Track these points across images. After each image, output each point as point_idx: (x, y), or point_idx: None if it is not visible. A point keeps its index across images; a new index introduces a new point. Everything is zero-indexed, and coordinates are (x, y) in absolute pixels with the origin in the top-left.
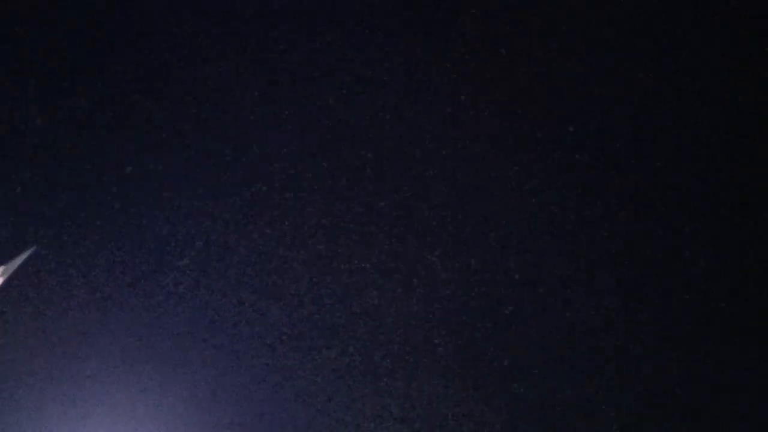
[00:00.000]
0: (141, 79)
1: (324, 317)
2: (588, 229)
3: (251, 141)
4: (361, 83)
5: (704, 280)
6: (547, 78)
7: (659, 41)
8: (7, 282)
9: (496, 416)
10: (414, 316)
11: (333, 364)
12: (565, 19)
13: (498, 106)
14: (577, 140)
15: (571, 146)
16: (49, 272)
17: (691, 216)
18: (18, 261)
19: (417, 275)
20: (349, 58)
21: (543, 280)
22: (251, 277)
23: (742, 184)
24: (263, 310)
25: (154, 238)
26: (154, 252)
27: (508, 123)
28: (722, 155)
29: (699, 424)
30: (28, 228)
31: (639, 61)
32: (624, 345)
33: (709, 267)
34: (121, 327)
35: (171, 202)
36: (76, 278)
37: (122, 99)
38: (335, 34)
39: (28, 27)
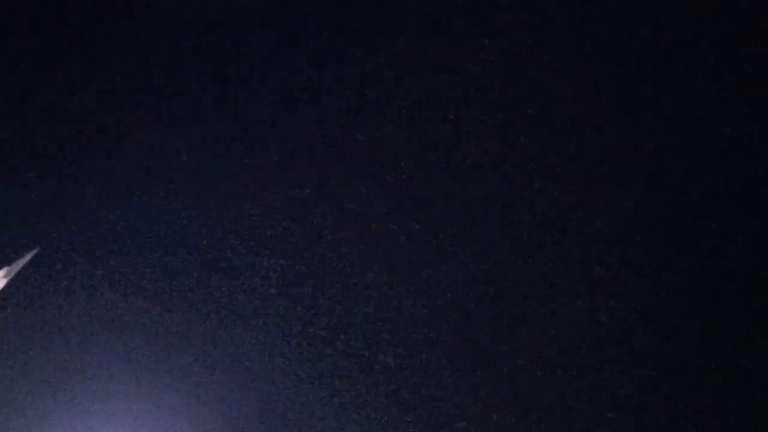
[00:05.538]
0: (144, 78)
1: (325, 318)
2: (590, 230)
3: (254, 140)
4: (365, 91)
5: (705, 280)
6: (550, 78)
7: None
8: (9, 283)
9: (497, 417)
10: (416, 316)
11: (335, 364)
12: (567, 20)
13: (500, 108)
14: (578, 141)
15: (573, 147)
16: (51, 274)
17: (693, 217)
18: (20, 263)
19: (419, 275)
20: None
21: (545, 281)
22: (253, 277)
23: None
24: (265, 310)
25: (156, 239)
26: (155, 253)
27: (510, 125)
28: (723, 155)
29: (700, 425)
30: (30, 230)
31: (640, 61)
32: (626, 345)
33: (710, 267)
34: (122, 327)
35: (172, 202)
36: (77, 279)
37: (125, 99)
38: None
39: (28, 27)
